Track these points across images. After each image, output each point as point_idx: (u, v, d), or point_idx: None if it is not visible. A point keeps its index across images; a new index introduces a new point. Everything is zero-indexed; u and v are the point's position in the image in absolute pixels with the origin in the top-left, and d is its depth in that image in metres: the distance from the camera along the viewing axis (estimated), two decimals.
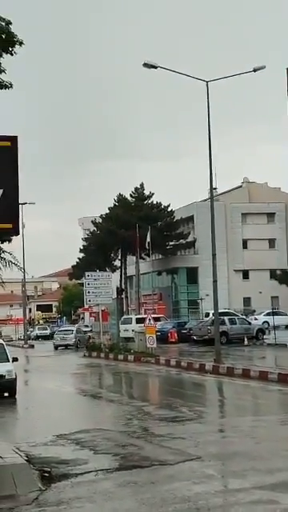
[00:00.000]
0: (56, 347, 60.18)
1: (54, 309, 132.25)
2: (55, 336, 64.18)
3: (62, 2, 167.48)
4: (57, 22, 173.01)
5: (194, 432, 14.98)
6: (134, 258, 75.47)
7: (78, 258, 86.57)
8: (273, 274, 77.85)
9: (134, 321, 55.87)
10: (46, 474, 11.22)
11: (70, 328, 69.02)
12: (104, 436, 15.00)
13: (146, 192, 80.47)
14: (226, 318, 47.95)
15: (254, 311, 67.36)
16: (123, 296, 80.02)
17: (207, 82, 32.64)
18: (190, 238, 79.52)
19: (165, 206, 79.02)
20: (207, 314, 58.26)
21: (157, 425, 16.49)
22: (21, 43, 17.77)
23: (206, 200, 75.69)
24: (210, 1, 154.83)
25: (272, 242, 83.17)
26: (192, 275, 78.46)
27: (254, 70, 33.19)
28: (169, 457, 12.36)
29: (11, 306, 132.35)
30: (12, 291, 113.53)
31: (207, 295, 56.94)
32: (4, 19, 17.17)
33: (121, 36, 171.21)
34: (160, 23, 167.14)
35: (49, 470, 11.52)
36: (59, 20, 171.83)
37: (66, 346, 58.99)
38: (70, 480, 10.95)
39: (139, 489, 10.35)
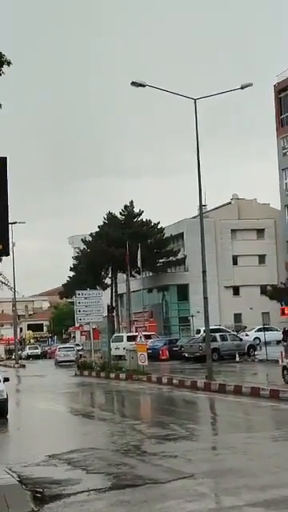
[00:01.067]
0: (59, 363, 63.22)
1: (45, 328, 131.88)
2: (58, 353, 67.12)
3: (50, 20, 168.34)
4: (44, 39, 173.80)
5: (186, 450, 14.95)
6: (125, 275, 75.50)
7: (69, 277, 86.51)
8: (263, 290, 77.89)
9: (125, 339, 55.84)
10: (39, 495, 11.17)
11: (71, 345, 74.56)
12: (96, 455, 14.94)
13: (136, 209, 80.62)
14: (217, 335, 47.94)
15: (245, 327, 67.41)
16: (114, 314, 79.88)
17: (195, 99, 32.81)
18: (180, 255, 79.61)
19: (155, 224, 79.15)
20: (198, 331, 58.25)
21: (149, 443, 16.45)
22: (9, 63, 17.84)
23: (195, 217, 75.81)
24: (199, 19, 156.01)
25: (262, 258, 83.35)
26: (182, 292, 78.50)
27: (242, 88, 33.40)
28: (161, 475, 12.33)
29: (2, 325, 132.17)
30: (2, 311, 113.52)
31: (198, 312, 57.03)
32: None
33: (109, 54, 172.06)
34: (148, 41, 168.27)
35: (41, 490, 11.46)
36: (47, 38, 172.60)
37: (69, 362, 60.61)
38: (62, 500, 10.90)
39: (132, 508, 10.32)
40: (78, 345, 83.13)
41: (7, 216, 9.14)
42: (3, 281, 18.86)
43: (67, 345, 78.08)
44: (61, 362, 63.35)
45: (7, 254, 9.78)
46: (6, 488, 11.10)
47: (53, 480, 12.44)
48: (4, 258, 18.25)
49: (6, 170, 9.18)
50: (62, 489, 11.67)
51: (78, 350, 67.84)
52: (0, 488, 11.07)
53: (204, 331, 38.49)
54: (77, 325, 79.13)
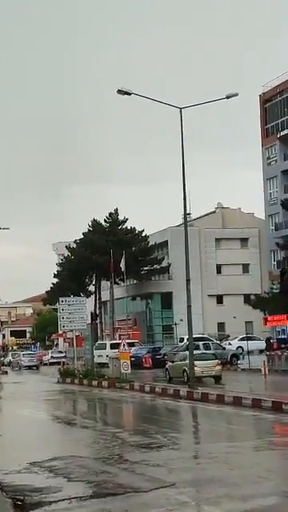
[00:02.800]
0: (50, 364, 73.48)
1: (28, 334, 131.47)
2: (22, 358, 77.08)
3: (37, 28, 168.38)
4: (32, 47, 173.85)
5: (168, 458, 14.92)
6: (109, 283, 75.44)
7: (52, 284, 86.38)
8: (247, 299, 78.11)
9: (108, 346, 55.76)
10: (19, 503, 11.10)
11: (61, 350, 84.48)
12: (78, 463, 14.89)
13: (121, 217, 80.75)
14: (200, 343, 47.87)
15: (228, 336, 67.51)
16: (97, 321, 79.73)
17: (181, 108, 32.93)
18: (164, 263, 79.71)
19: (139, 231, 79.27)
20: (182, 339, 58.24)
21: (131, 451, 16.41)
22: None
23: (180, 225, 75.98)
24: (185, 28, 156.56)
25: (246, 267, 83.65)
26: (166, 300, 78.57)
27: (227, 97, 33.55)
28: (143, 484, 12.30)
29: None
30: None
31: (181, 320, 57.02)
32: None
33: (95, 62, 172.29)
34: (135, 50, 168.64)
35: (22, 498, 11.39)
36: (34, 45, 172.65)
37: (59, 363, 64.20)
38: (43, 508, 10.85)
39: None
40: (60, 351, 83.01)
41: None
42: None
43: (30, 351, 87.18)
44: (25, 366, 72.91)
45: None
46: None
47: (34, 488, 12.37)
48: None
49: None
50: (43, 496, 11.61)
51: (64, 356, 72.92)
52: None
53: (187, 339, 38.49)
54: (60, 332, 79.06)
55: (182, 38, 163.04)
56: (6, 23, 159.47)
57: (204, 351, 41.62)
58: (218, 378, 36.08)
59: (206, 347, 48.98)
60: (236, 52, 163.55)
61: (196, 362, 33.48)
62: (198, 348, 44.99)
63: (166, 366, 39.45)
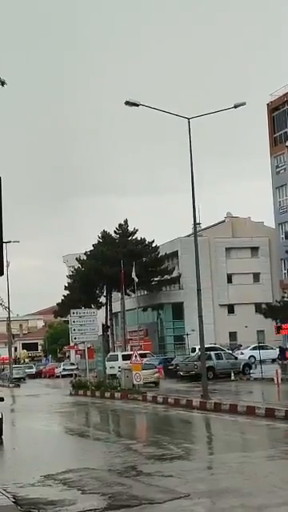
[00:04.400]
0: (62, 376, 74.33)
1: (40, 347, 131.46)
2: (62, 368, 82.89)
3: (43, 38, 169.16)
4: (38, 58, 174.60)
5: (182, 469, 14.87)
6: (119, 294, 75.44)
7: (63, 296, 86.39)
8: (258, 308, 77.86)
9: (120, 357, 55.71)
10: None
11: (73, 362, 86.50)
12: (91, 475, 14.86)
13: (130, 228, 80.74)
14: (212, 353, 47.84)
15: (240, 346, 67.36)
16: (109, 333, 79.80)
17: (189, 119, 33.00)
18: (174, 274, 79.67)
19: (149, 242, 79.26)
20: (193, 350, 58.17)
21: (145, 463, 16.36)
22: (3, 83, 17.89)
23: (189, 235, 75.90)
24: (191, 38, 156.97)
25: (256, 276, 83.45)
26: (177, 311, 78.49)
27: (235, 107, 33.60)
28: (157, 495, 12.26)
29: None
30: None
31: (193, 330, 57.01)
32: None
33: (102, 73, 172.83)
34: (142, 60, 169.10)
35: (36, 511, 11.38)
36: (40, 56, 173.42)
37: (71, 375, 64.44)
38: None
39: None
40: (72, 364, 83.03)
41: (1, 235, 9.14)
42: None
43: (69, 362, 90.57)
44: (14, 378, 75.83)
45: (1, 274, 9.76)
46: (1, 509, 11.02)
47: (48, 500, 12.36)
48: None
49: (0, 189, 9.19)
50: (58, 509, 11.59)
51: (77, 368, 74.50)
52: None
53: (199, 350, 38.44)
54: (71, 344, 79.08)
55: (188, 49, 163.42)
56: (6, 32, 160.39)
57: (146, 362, 47.17)
58: (156, 384, 43.95)
59: (218, 357, 48.92)
60: (243, 61, 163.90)
61: (144, 371, 40.19)
62: (209, 358, 44.98)
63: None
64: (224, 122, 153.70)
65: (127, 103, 33.29)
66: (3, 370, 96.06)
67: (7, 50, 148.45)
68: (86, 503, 11.96)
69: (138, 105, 33.47)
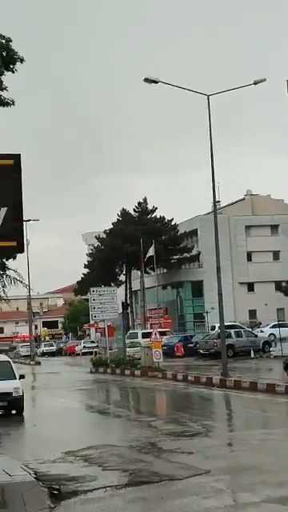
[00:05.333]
0: (82, 354, 74.36)
1: (60, 325, 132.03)
2: (20, 349, 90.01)
3: (61, 16, 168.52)
4: (56, 36, 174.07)
5: (202, 446, 14.92)
6: (139, 272, 75.46)
7: (83, 274, 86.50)
8: (278, 286, 77.69)
9: (140, 335, 55.80)
10: (55, 492, 11.17)
11: (93, 340, 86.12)
12: (112, 452, 14.94)
13: (150, 206, 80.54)
14: (232, 331, 47.81)
15: (260, 323, 67.22)
16: (129, 311, 79.89)
17: (208, 95, 32.79)
18: (194, 252, 79.50)
19: (168, 220, 79.06)
20: (213, 328, 58.14)
21: (165, 440, 16.43)
22: (22, 60, 17.88)
23: (209, 213, 75.64)
24: (210, 14, 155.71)
25: (276, 254, 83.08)
26: (197, 289, 78.40)
27: (255, 83, 33.33)
28: (178, 472, 12.31)
29: (17, 323, 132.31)
30: (17, 308, 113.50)
31: (213, 308, 56.90)
32: (4, 36, 17.29)
33: (120, 50, 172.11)
34: (160, 37, 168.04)
35: (58, 487, 11.46)
36: (58, 35, 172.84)
37: (91, 353, 66.40)
38: (79, 497, 10.91)
39: (149, 504, 10.31)
40: (92, 341, 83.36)
41: (22, 213, 9.13)
42: (18, 278, 19.02)
43: (89, 340, 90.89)
44: (23, 356, 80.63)
45: (22, 251, 9.77)
46: (23, 485, 11.11)
47: (69, 477, 12.45)
48: (19, 255, 18.26)
49: (19, 168, 9.17)
50: (79, 485, 11.67)
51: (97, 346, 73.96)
52: (17, 485, 11.09)
53: (219, 328, 38.44)
54: (92, 322, 79.29)
55: (207, 26, 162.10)
56: (36, 15, 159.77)
57: (132, 341, 51.46)
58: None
59: (238, 335, 48.89)
60: (264, 36, 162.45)
61: (129, 349, 46.19)
62: (229, 336, 44.96)
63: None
64: (244, 99, 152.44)
65: (146, 80, 33.13)
66: (15, 348, 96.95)
67: (28, 27, 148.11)
68: (107, 479, 12.04)
69: (157, 82, 33.30)
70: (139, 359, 42.34)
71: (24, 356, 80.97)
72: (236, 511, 9.85)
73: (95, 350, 68.34)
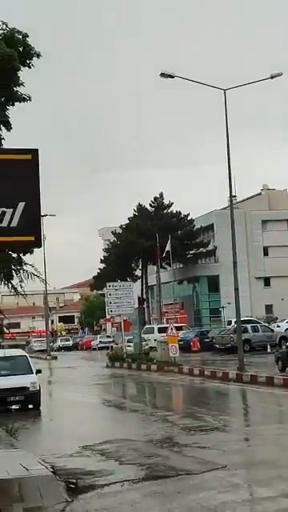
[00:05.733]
0: (99, 348, 75.57)
1: (76, 320, 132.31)
2: (34, 344, 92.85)
3: (78, 13, 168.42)
4: (72, 32, 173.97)
5: (219, 441, 14.93)
6: (155, 267, 75.48)
7: (99, 269, 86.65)
8: None
9: (156, 330, 55.85)
10: (72, 486, 11.21)
11: (109, 335, 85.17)
12: (129, 446, 14.98)
13: (166, 201, 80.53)
14: (248, 326, 47.75)
15: (277, 318, 67.00)
16: (145, 306, 79.98)
17: (225, 90, 32.69)
18: (210, 247, 79.42)
19: (184, 215, 79.00)
20: (229, 322, 58.09)
21: (181, 434, 16.46)
22: (38, 55, 17.92)
23: (225, 208, 75.55)
24: (225, 10, 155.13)
25: None
26: (213, 283, 78.29)
27: (272, 77, 33.20)
28: (194, 466, 12.32)
29: (33, 317, 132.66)
30: (34, 303, 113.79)
31: (229, 303, 56.77)
32: (21, 32, 17.33)
33: (136, 45, 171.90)
34: (176, 32, 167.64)
35: (75, 481, 11.49)
36: (75, 31, 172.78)
37: (107, 348, 65.51)
38: (96, 491, 10.94)
39: (165, 499, 10.33)
40: (108, 336, 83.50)
41: (39, 208, 9.17)
42: (35, 273, 19.08)
43: (40, 338, 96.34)
44: (36, 351, 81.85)
45: (39, 246, 9.82)
46: (40, 479, 11.14)
47: (86, 471, 12.49)
48: (36, 250, 18.30)
49: (37, 162, 9.20)
50: (96, 480, 11.70)
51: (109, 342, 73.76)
52: (34, 479, 11.12)
53: (235, 322, 38.40)
54: (108, 316, 79.47)
55: (225, 20, 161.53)
56: (40, 14, 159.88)
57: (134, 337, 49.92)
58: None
59: (254, 330, 48.84)
60: (280, 30, 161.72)
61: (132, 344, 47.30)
62: (246, 331, 44.91)
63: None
64: (260, 93, 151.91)
65: (162, 75, 33.09)
66: (28, 343, 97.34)
67: (44, 23, 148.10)
68: (124, 474, 12.08)
69: (173, 76, 33.25)
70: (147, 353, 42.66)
71: (37, 351, 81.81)
72: (252, 505, 9.86)
73: (111, 344, 68.51)
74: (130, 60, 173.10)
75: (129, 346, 47.98)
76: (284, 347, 33.64)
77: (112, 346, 58.17)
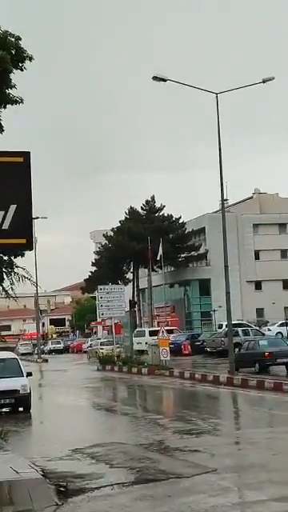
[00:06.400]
0: (20, 355, 72.93)
1: (67, 323, 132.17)
2: (20, 347, 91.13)
3: (71, 14, 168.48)
4: (65, 34, 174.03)
5: (209, 444, 14.94)
6: (146, 270, 75.48)
7: (90, 272, 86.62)
8: (285, 285, 77.65)
9: (147, 333, 55.85)
10: (62, 489, 11.18)
11: (100, 338, 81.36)
12: (119, 450, 14.97)
13: (157, 204, 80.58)
14: (239, 330, 47.74)
15: (268, 322, 67.14)
16: (136, 309, 79.88)
17: (217, 94, 32.77)
18: (201, 250, 79.49)
19: (176, 218, 79.07)
20: (220, 326, 58.10)
21: (172, 438, 16.46)
22: (30, 58, 17.92)
23: (217, 211, 75.61)
24: (219, 13, 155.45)
25: (284, 253, 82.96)
26: (204, 287, 78.36)
27: (264, 81, 33.30)
28: (185, 470, 12.33)
29: (24, 320, 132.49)
30: (25, 305, 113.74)
31: (220, 307, 56.83)
32: (13, 35, 17.34)
33: (129, 48, 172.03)
34: (169, 36, 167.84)
35: (65, 484, 11.47)
36: (67, 33, 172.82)
37: (27, 354, 74.18)
38: (86, 494, 10.92)
39: (156, 502, 10.33)
40: (99, 339, 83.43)
41: (31, 211, 9.15)
42: (26, 275, 18.99)
43: (26, 342, 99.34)
44: (22, 354, 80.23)
45: (31, 249, 9.80)
46: (30, 482, 11.13)
47: (76, 474, 12.47)
48: (27, 252, 18.26)
49: (29, 165, 9.19)
50: (86, 483, 11.69)
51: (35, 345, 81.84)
52: (24, 482, 11.11)
53: (226, 326, 38.44)
54: (99, 319, 79.37)
55: (218, 24, 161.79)
56: (39, 11, 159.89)
57: (108, 339, 55.93)
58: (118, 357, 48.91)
59: (245, 333, 48.85)
60: (272, 34, 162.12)
61: (104, 347, 52.95)
62: (237, 334, 44.93)
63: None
64: (251, 98, 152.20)
65: (155, 78, 33.14)
66: (16, 346, 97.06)
67: (35, 20, 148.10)
68: (114, 477, 12.06)
69: (165, 80, 33.31)
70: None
71: (23, 354, 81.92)
72: (243, 509, 9.86)
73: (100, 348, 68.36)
74: (125, 63, 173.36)
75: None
76: (237, 351, 34.94)
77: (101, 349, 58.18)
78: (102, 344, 56.51)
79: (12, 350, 58.76)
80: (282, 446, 14.55)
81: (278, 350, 32.65)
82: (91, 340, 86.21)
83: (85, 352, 79.40)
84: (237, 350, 35.58)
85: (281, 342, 36.12)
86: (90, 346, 71.53)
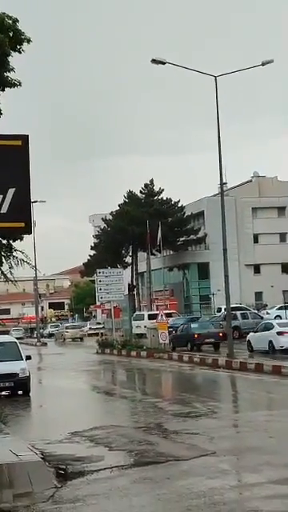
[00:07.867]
0: (88, 335, 73.69)
1: (66, 306, 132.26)
2: (12, 332, 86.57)
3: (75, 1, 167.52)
4: (64, 17, 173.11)
5: (208, 427, 14.98)
6: (145, 254, 75.46)
7: (89, 256, 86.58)
8: (284, 268, 77.56)
9: (146, 317, 55.89)
10: (62, 472, 11.25)
11: (99, 321, 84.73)
12: (118, 433, 15.03)
13: (156, 188, 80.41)
14: (238, 313, 47.76)
15: (266, 305, 67.17)
16: (135, 292, 79.91)
17: (216, 76, 32.62)
18: (200, 234, 79.41)
19: (175, 202, 78.93)
20: (219, 309, 58.12)
21: (171, 420, 16.51)
22: (28, 41, 17.80)
23: (216, 195, 75.40)
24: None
25: (283, 236, 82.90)
26: (203, 270, 78.38)
27: (263, 64, 33.17)
28: (183, 452, 12.38)
29: (23, 304, 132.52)
30: (24, 289, 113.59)
31: (219, 290, 56.93)
32: (11, 17, 17.20)
33: (128, 32, 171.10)
34: (168, 19, 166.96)
35: (64, 467, 11.53)
36: (66, 15, 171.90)
37: (97, 334, 66.59)
38: (85, 477, 10.99)
39: (155, 485, 10.38)
40: (98, 323, 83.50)
41: (29, 195, 9.14)
42: (25, 259, 18.95)
43: (18, 326, 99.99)
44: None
45: (29, 233, 9.80)
46: (30, 465, 11.17)
47: (76, 457, 12.52)
48: (25, 236, 18.23)
49: (27, 148, 9.17)
50: (85, 466, 11.75)
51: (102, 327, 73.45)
52: (23, 465, 11.15)
53: (225, 309, 38.48)
54: (98, 303, 79.40)
55: (217, 6, 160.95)
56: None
57: (73, 323, 66.62)
58: (81, 339, 65.02)
59: (244, 317, 48.89)
60: (272, 18, 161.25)
61: (69, 330, 63.48)
62: (235, 318, 44.99)
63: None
64: (251, 81, 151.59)
65: (154, 61, 33.00)
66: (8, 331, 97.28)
67: (34, 9, 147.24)
68: (113, 460, 12.12)
69: (164, 63, 33.16)
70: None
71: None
72: (241, 491, 9.91)
73: (101, 331, 68.50)
74: (123, 47, 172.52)
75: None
76: (174, 332, 41.23)
77: (102, 333, 58.18)
78: (67, 328, 67.31)
79: (7, 333, 58.93)
80: (280, 429, 14.60)
81: (206, 332, 39.53)
82: (90, 323, 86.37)
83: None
84: (173, 332, 41.28)
85: (209, 325, 42.51)
86: (57, 330, 78.32)
